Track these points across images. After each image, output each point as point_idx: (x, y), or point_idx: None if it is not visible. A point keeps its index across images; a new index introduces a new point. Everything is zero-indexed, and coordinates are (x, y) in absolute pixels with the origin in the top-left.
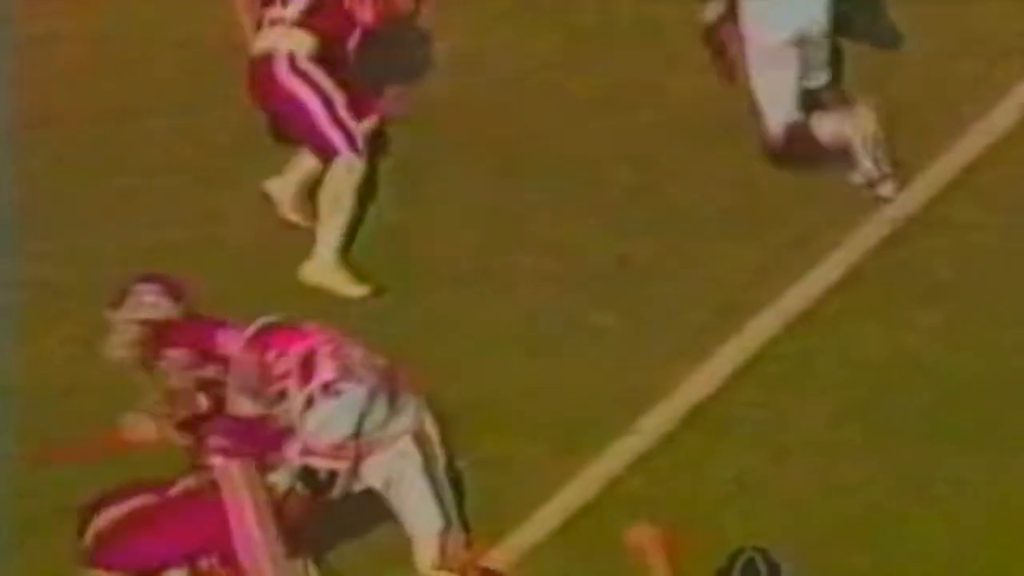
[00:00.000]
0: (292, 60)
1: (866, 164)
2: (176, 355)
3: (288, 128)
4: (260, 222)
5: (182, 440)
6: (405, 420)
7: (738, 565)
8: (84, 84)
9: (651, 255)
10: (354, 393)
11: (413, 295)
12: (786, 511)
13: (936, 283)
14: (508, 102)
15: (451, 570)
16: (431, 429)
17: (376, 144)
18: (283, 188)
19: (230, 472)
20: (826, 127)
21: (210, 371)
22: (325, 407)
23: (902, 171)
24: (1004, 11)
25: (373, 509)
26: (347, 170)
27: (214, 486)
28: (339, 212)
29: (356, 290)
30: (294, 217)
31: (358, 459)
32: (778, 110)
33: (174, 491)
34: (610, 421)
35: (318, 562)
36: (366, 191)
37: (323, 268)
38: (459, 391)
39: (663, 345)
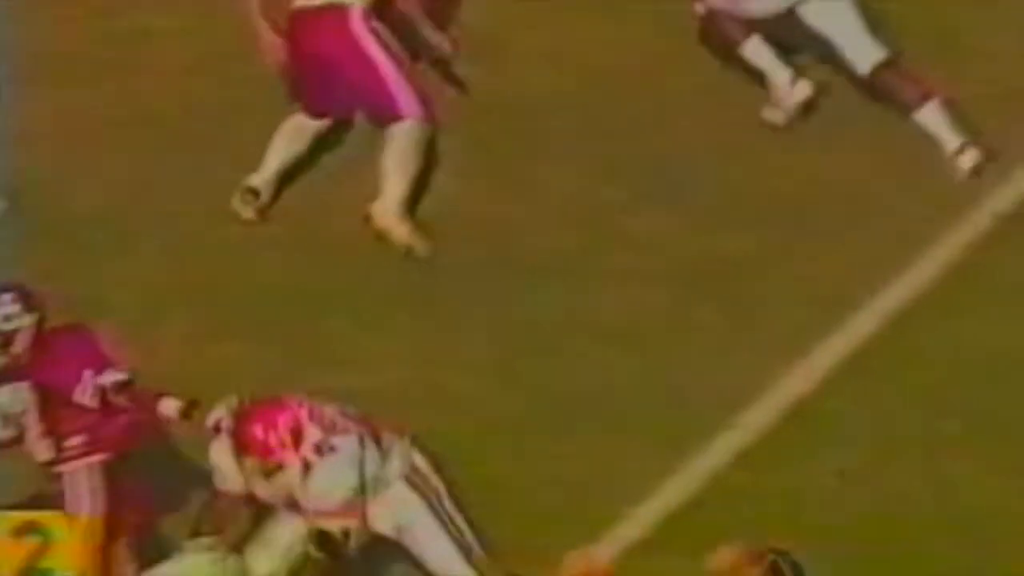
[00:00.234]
0: (366, 15)
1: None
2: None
3: (337, 83)
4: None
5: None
6: (396, 463)
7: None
8: (179, 79)
9: (751, 251)
10: (348, 444)
11: (514, 291)
12: (888, 506)
13: None
14: (604, 97)
15: None
16: (423, 464)
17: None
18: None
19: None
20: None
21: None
22: (325, 466)
23: (1003, 164)
24: None
25: (390, 555)
26: (418, 132)
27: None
28: (405, 170)
29: (418, 244)
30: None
31: (364, 511)
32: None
33: None
34: (712, 417)
35: None
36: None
37: (388, 213)
38: (562, 386)
39: (764, 341)
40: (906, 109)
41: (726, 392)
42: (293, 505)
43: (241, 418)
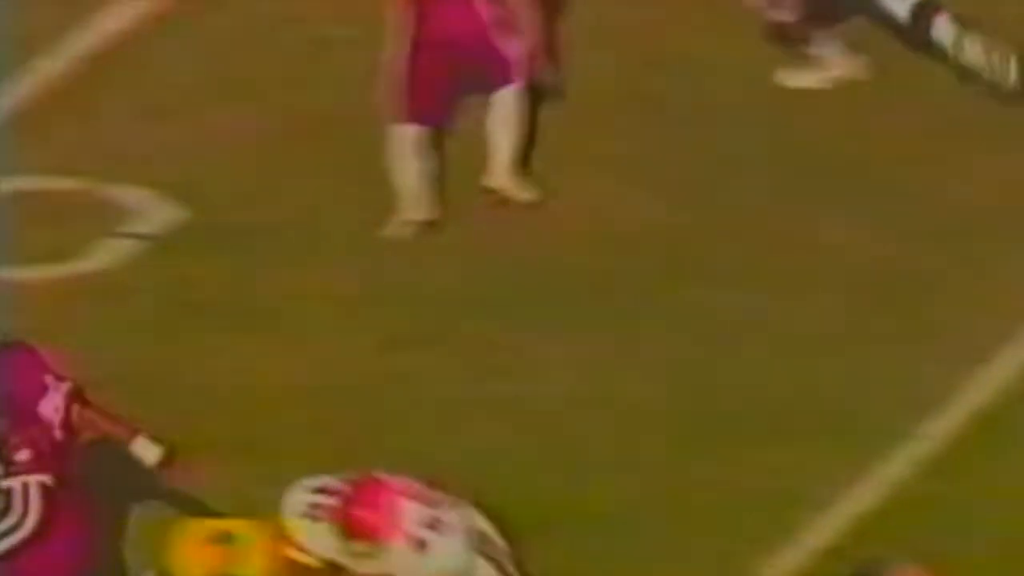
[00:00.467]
0: None
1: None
2: None
3: (460, 51)
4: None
5: None
6: (469, 527)
7: None
8: (357, 88)
9: (933, 259)
10: (454, 518)
11: (690, 299)
12: None
13: None
14: (789, 109)
15: None
16: (485, 526)
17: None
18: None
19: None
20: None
21: None
22: (443, 543)
23: None
24: None
25: None
26: (523, 96)
27: None
28: (512, 132)
29: (527, 194)
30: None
31: None
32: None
33: None
34: (896, 425)
35: None
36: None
37: (502, 174)
38: (740, 394)
39: (946, 349)
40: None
41: (908, 401)
42: None
43: (345, 502)
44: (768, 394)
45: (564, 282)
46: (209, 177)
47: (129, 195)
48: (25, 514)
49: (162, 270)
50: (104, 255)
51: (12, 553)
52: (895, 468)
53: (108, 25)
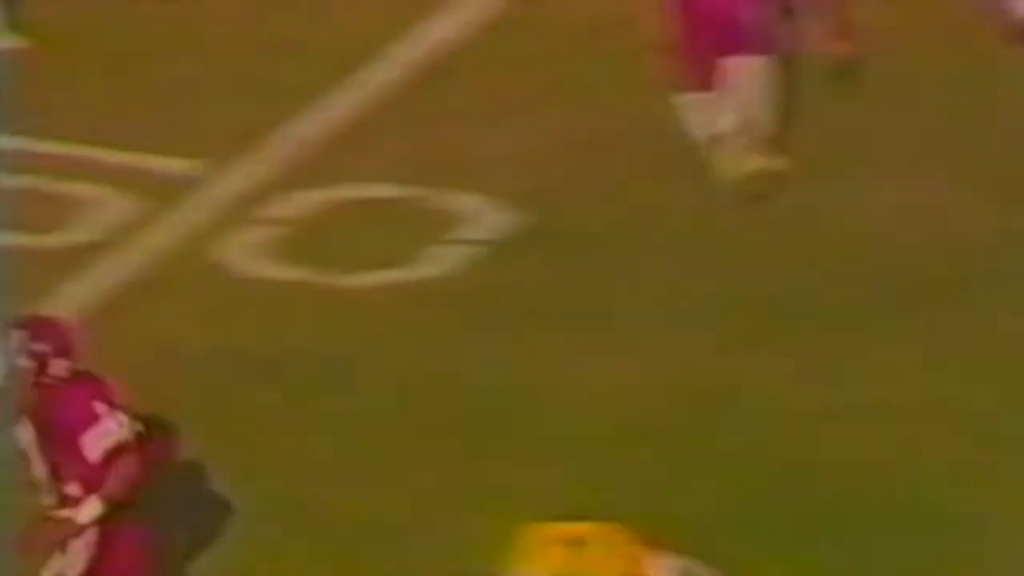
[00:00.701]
0: None
1: None
2: None
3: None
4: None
5: None
6: None
7: None
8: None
9: None
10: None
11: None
12: None
13: None
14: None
15: None
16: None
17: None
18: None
19: None
20: None
21: None
22: None
23: None
24: None
25: None
26: (764, 68)
27: None
28: (751, 105)
29: (777, 166)
30: None
31: None
32: None
33: None
34: None
35: None
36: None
37: (738, 149)
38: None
39: None
40: None
41: None
42: None
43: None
44: None
45: (893, 283)
46: (545, 181)
47: (464, 201)
48: (81, 548)
49: (500, 274)
50: (441, 261)
51: None
52: None
53: (436, 33)
